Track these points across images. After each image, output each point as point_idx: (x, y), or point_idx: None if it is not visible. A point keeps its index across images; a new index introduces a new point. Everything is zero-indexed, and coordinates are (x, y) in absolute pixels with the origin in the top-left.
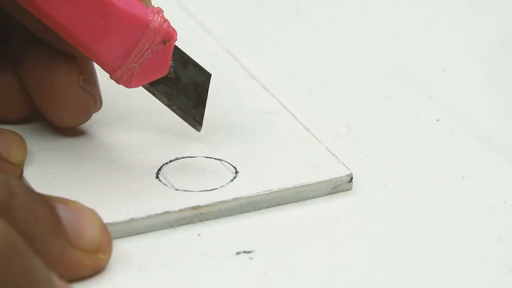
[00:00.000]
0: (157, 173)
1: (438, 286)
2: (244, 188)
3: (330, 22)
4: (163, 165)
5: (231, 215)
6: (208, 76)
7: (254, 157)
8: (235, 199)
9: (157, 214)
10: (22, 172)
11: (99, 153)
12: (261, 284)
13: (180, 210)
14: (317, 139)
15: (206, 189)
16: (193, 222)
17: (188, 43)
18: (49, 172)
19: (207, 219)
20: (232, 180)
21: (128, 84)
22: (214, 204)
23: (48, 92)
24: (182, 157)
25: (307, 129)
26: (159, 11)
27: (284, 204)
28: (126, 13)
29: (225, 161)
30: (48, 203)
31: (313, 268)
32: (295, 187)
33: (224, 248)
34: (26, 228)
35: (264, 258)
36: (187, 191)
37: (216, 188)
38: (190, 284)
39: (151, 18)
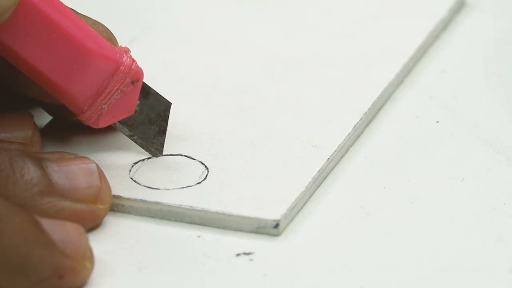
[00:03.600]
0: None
1: (438, 286)
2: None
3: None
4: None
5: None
6: (168, 105)
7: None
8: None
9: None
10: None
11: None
12: (261, 285)
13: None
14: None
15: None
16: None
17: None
18: None
19: (124, 212)
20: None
21: (96, 124)
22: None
23: None
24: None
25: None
26: (127, 50)
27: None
28: (97, 55)
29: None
30: (40, 165)
31: (313, 269)
32: None
33: (224, 249)
34: (19, 192)
35: (264, 260)
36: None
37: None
38: (190, 285)
39: (121, 59)
